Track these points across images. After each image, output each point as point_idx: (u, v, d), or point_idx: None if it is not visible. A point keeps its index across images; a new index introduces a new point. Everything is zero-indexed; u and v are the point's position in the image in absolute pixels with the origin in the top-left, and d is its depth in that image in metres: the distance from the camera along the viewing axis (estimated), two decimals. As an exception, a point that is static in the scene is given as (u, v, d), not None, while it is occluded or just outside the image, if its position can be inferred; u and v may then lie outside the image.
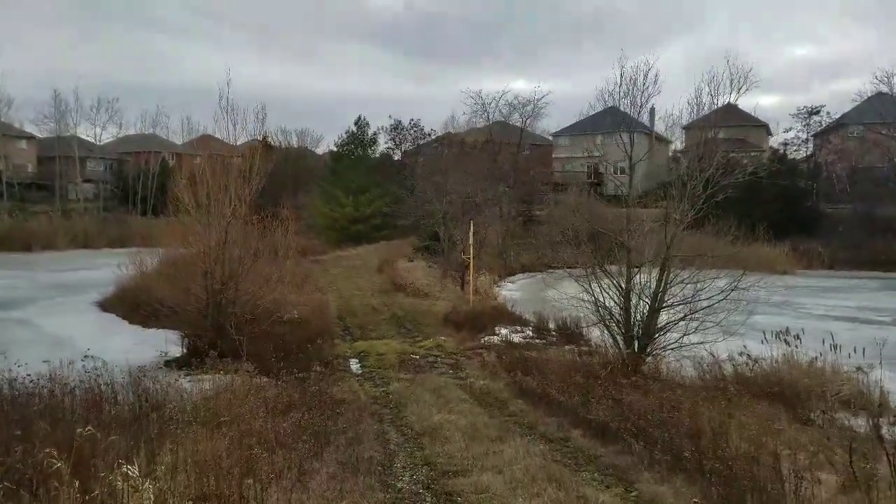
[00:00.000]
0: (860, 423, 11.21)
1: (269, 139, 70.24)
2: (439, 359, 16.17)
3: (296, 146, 78.70)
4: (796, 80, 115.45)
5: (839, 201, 55.74)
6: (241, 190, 14.36)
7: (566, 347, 16.87)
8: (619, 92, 15.45)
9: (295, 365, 11.39)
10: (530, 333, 19.76)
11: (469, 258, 25.60)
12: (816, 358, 14.37)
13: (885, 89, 58.95)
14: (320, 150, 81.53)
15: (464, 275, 28.69)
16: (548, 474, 7.25)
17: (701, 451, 7.35)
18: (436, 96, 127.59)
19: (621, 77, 15.37)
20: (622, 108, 15.95)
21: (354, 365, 15.25)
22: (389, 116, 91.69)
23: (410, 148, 63.81)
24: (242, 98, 17.71)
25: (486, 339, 18.61)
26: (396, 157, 64.01)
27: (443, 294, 27.64)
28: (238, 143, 18.85)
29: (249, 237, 14.39)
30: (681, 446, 7.71)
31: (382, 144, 64.66)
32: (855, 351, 14.13)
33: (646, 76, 15.22)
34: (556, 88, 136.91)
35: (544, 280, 32.16)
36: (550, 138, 73.18)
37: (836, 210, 54.36)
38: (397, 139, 65.52)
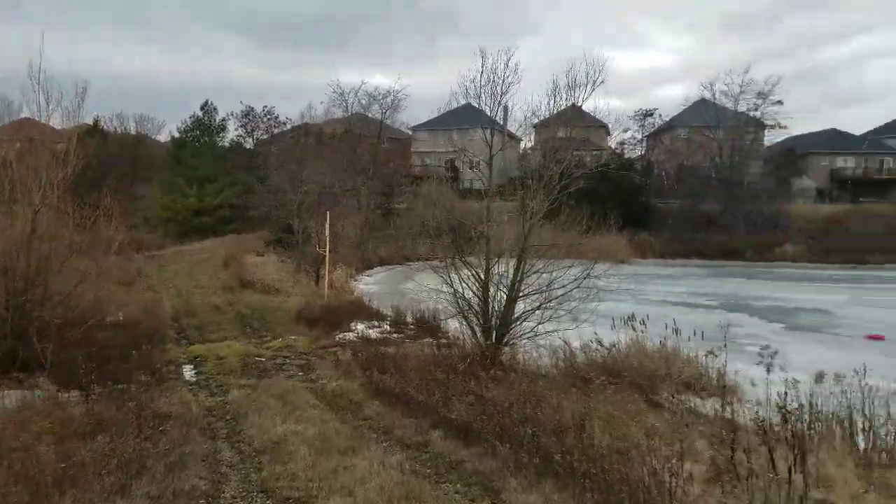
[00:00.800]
0: (706, 405, 11.66)
1: (101, 124, 64.30)
2: (289, 360, 15.05)
3: (133, 133, 72.46)
4: (633, 84, 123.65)
5: (669, 197, 60.12)
6: (54, 175, 12.40)
7: (425, 340, 16.39)
8: (481, 80, 15.19)
9: (114, 375, 9.82)
10: (388, 328, 19.12)
11: (324, 251, 24.46)
12: (661, 342, 15.01)
13: (707, 95, 64.44)
14: (163, 138, 75.74)
15: (319, 269, 27.50)
16: (406, 491, 6.55)
17: (568, 450, 7.01)
18: (292, 86, 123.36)
19: (482, 66, 15.13)
20: (482, 99, 15.70)
21: (188, 372, 13.73)
22: (241, 102, 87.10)
23: (264, 136, 60.87)
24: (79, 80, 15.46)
25: (342, 336, 17.72)
26: (248, 146, 60.75)
27: (296, 290, 26.29)
28: (57, 124, 16.50)
29: (64, 229, 12.43)
30: (548, 446, 7.34)
31: (232, 132, 61.13)
32: (695, 334, 14.88)
33: (506, 65, 15.07)
34: (414, 84, 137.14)
35: (403, 272, 31.73)
36: (409, 132, 73.04)
37: (666, 205, 58.58)
38: (249, 127, 62.23)
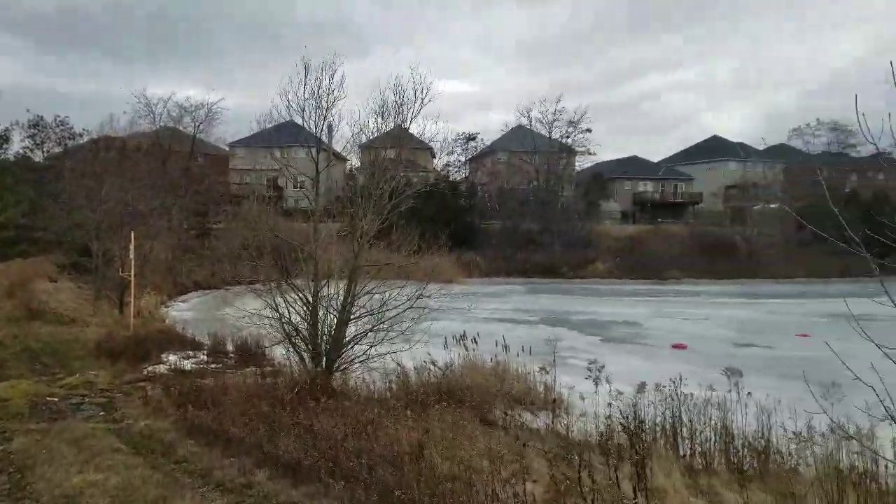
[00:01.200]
0: (538, 421, 11.78)
1: None
2: (87, 399, 13.19)
3: None
4: (456, 109, 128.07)
5: (492, 218, 62.57)
6: None
7: (248, 370, 15.18)
8: (304, 93, 14.46)
9: None
10: (205, 358, 17.57)
11: (129, 275, 22.13)
12: (492, 359, 15.13)
13: (525, 122, 68.25)
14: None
15: (123, 295, 24.90)
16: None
17: (408, 482, 6.53)
18: (91, 96, 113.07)
19: (306, 78, 14.41)
20: (306, 112, 14.94)
21: (-38, 419, 11.56)
22: (27, 110, 78.01)
23: (56, 149, 54.86)
24: None
25: (151, 369, 15.96)
26: (38, 160, 54.36)
27: (95, 319, 23.56)
28: None
29: None
30: (385, 479, 6.81)
31: (18, 143, 54.47)
32: (523, 349, 15.17)
33: (331, 79, 14.49)
34: (235, 100, 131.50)
35: (222, 297, 29.70)
36: (227, 148, 69.53)
37: (489, 225, 60.86)
38: (38, 138, 55.82)
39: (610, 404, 10.42)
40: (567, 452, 8.96)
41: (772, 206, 63.72)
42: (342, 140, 16.06)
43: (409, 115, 15.65)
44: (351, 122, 15.77)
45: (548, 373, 11.45)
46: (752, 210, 63.56)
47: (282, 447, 8.81)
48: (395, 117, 15.85)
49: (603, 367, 10.16)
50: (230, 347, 18.13)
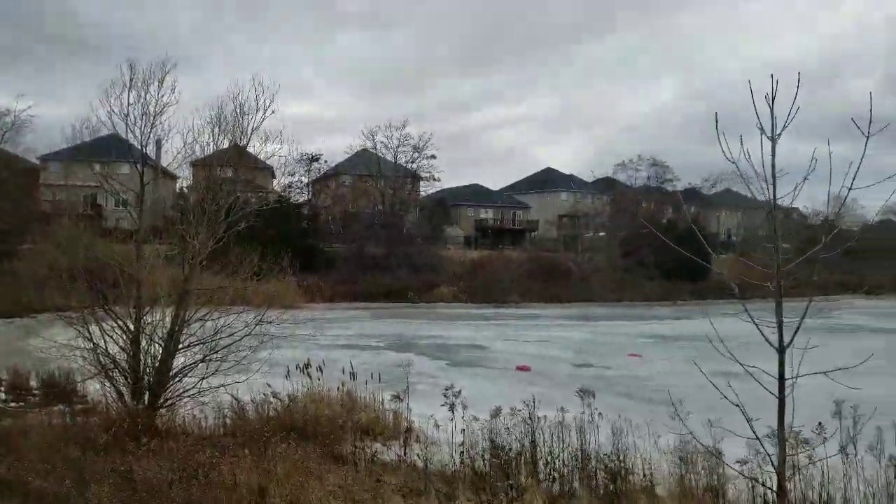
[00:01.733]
0: (390, 452, 11.11)
1: None
2: None
3: None
4: (298, 132, 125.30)
5: (336, 241, 61.37)
6: None
7: (55, 409, 13.17)
8: (128, 97, 12.91)
9: None
10: (3, 396, 15.16)
11: None
12: (339, 388, 14.29)
13: (370, 146, 68.02)
14: None
15: None
16: None
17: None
18: None
19: (131, 80, 12.90)
20: (131, 118, 13.37)
21: None
22: None
23: None
24: None
25: (-72, 412, 13.39)
26: None
27: None
28: None
29: None
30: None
31: None
32: (372, 377, 14.46)
33: (161, 83, 13.09)
34: (51, 110, 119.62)
35: (26, 326, 26.25)
36: (38, 161, 62.62)
37: (333, 249, 59.61)
38: None
39: (463, 430, 10.04)
40: (425, 486, 8.41)
41: (600, 234, 68.16)
42: (173, 151, 14.51)
43: (250, 127, 14.57)
44: (184, 132, 14.26)
45: (402, 400, 10.86)
46: (584, 237, 67.60)
47: (94, 500, 7.47)
48: (233, 129, 14.70)
49: (460, 392, 9.73)
50: (34, 383, 15.79)
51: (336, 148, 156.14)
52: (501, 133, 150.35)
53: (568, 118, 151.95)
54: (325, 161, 73.83)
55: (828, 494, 7.90)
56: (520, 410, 9.64)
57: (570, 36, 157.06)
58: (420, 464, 9.84)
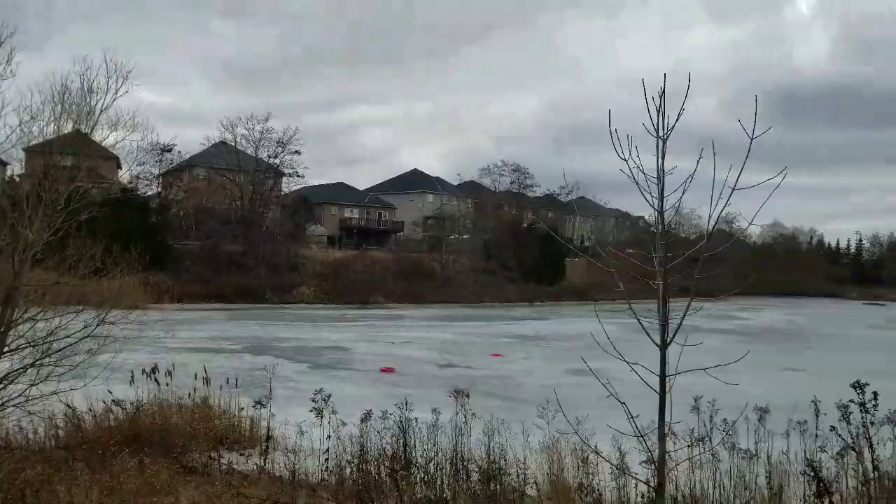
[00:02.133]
0: (250, 463, 10.34)
1: None
2: None
3: None
4: (150, 121, 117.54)
5: (188, 237, 57.91)
6: None
7: None
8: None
9: None
10: None
11: None
12: (190, 395, 13.26)
13: (229, 138, 64.71)
14: None
15: None
16: None
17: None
18: None
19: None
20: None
21: None
22: None
23: None
24: None
25: None
26: None
27: None
28: None
29: None
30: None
31: None
32: (228, 381, 13.52)
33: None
34: None
35: None
36: None
37: (185, 246, 56.19)
38: None
39: (329, 437, 9.51)
40: (292, 498, 7.81)
41: (465, 236, 69.33)
42: (6, 131, 12.65)
43: (98, 108, 13.07)
44: (19, 109, 12.48)
45: (264, 406, 10.11)
46: (448, 239, 68.44)
47: None
48: (78, 110, 13.12)
49: (329, 396, 9.19)
50: None
51: (192, 140, 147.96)
52: (368, 133, 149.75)
53: (435, 122, 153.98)
54: (179, 152, 69.51)
55: (702, 488, 8.17)
56: (390, 414, 9.26)
57: (439, 41, 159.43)
58: (284, 474, 9.20)
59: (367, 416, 9.39)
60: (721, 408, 8.80)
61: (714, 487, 8.24)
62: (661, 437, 5.14)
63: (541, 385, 21.66)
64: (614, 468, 7.23)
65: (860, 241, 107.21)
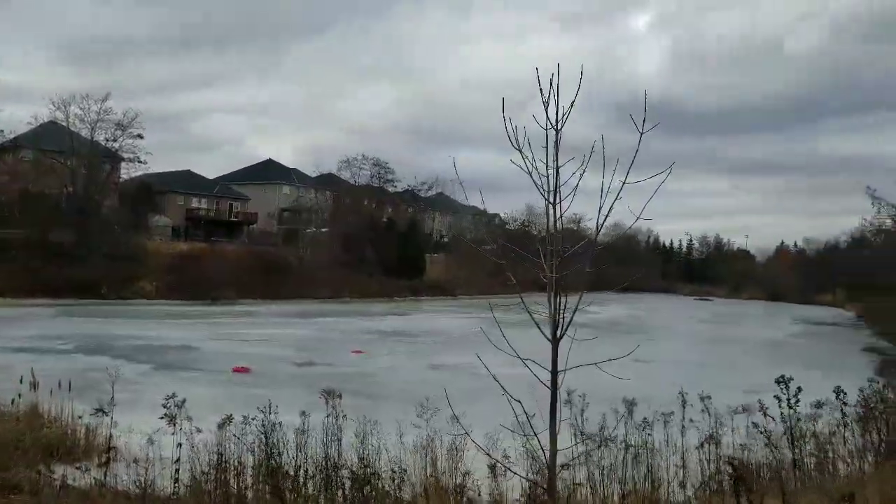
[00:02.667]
0: (87, 477, 9.05)
1: None
2: None
3: None
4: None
5: (10, 225, 51.95)
6: None
7: None
8: None
9: None
10: None
11: None
12: (14, 401, 11.69)
13: (61, 118, 58.60)
14: None
15: None
16: None
17: None
18: None
19: None
20: None
21: None
22: None
23: None
24: None
25: None
26: None
27: None
28: None
29: None
30: None
31: None
32: (60, 386, 12.00)
33: None
34: None
35: None
36: None
37: (7, 234, 50.38)
38: None
39: (180, 445, 8.50)
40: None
41: (323, 230, 67.68)
42: None
43: None
44: None
45: (106, 413, 8.87)
46: (305, 233, 66.49)
47: None
48: None
49: (184, 401, 8.19)
50: None
51: (18, 119, 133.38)
52: (218, 120, 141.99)
53: (289, 112, 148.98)
54: (1, 131, 62.00)
55: (591, 484, 8.08)
56: (253, 418, 8.41)
57: (292, 27, 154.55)
58: (130, 488, 8.11)
59: (226, 421, 8.48)
60: (590, 402, 8.89)
61: (592, 483, 8.20)
62: (553, 438, 4.82)
63: (406, 381, 21.35)
64: (504, 468, 6.91)
65: (690, 241, 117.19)
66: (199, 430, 8.60)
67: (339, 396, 8.68)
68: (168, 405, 7.91)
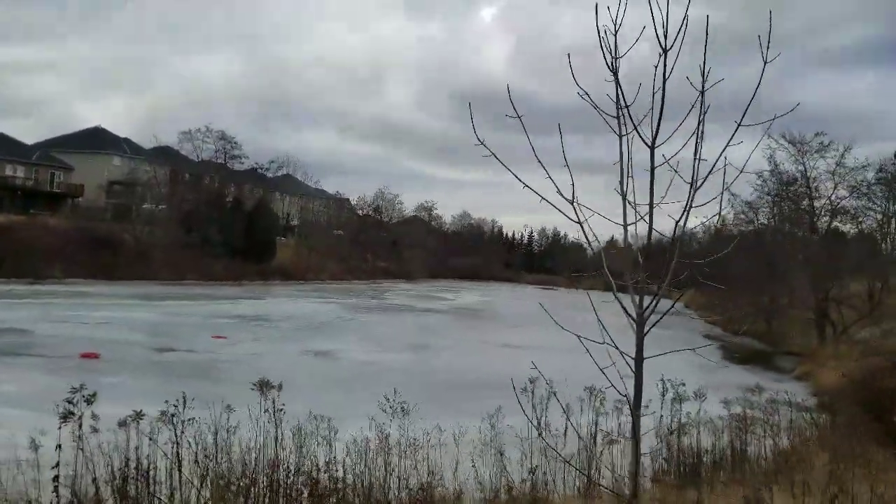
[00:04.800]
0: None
1: None
2: None
3: None
4: None
5: None
6: None
7: None
8: None
9: None
10: None
11: None
12: None
13: None
14: None
15: None
16: None
17: None
18: None
19: None
20: None
21: None
22: None
23: None
24: None
25: None
26: None
27: None
28: None
29: None
30: None
31: None
32: None
33: None
34: None
35: None
36: None
37: None
38: None
39: (59, 446, 6.92)
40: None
41: (161, 206, 62.34)
42: None
43: None
44: None
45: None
46: (142, 210, 60.85)
47: None
48: None
49: (95, 394, 6.64)
50: None
51: None
52: (40, 80, 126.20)
53: (121, 77, 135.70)
54: None
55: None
56: (166, 414, 6.97)
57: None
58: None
59: (137, 417, 6.99)
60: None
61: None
62: (637, 440, 4.14)
63: (283, 369, 19.80)
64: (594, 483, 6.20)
65: (531, 233, 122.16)
66: (95, 430, 7.04)
67: (279, 388, 7.47)
68: (73, 400, 6.32)
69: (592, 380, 9.00)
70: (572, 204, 3.74)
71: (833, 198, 35.58)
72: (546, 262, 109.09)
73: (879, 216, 37.64)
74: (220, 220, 60.49)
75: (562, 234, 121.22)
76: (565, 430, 7.60)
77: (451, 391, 17.53)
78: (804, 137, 35.42)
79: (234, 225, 60.37)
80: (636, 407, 3.71)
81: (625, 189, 3.71)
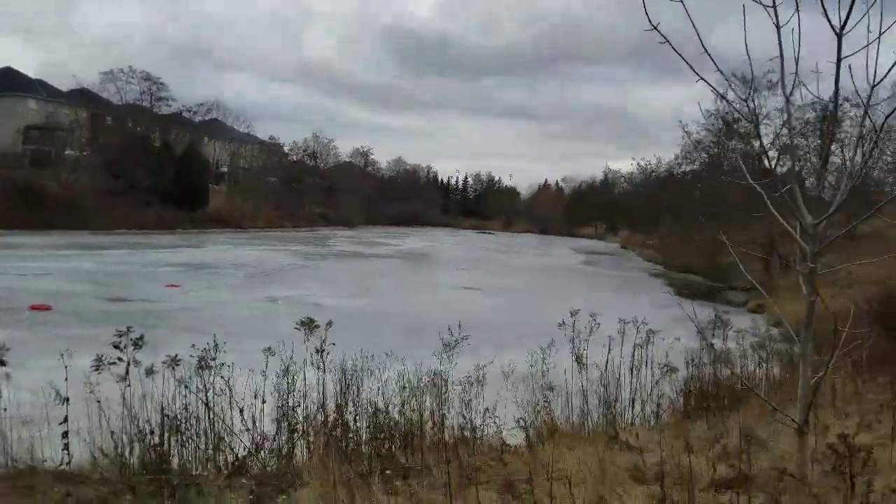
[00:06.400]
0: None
1: None
2: None
3: None
4: None
5: None
6: None
7: None
8: None
9: None
10: None
11: None
12: None
13: None
14: None
15: None
16: None
17: None
18: None
19: None
20: None
21: None
22: None
23: None
24: None
25: None
26: None
27: None
28: None
29: None
30: None
31: None
32: None
33: None
34: None
35: None
36: None
37: None
38: None
39: (67, 400, 6.38)
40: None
41: (85, 152, 58.81)
42: None
43: None
44: None
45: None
46: (64, 155, 57.19)
47: None
48: None
49: (142, 336, 6.11)
50: None
51: None
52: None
53: (30, 18, 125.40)
54: None
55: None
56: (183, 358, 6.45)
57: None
58: None
59: (172, 363, 6.47)
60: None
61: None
62: (805, 369, 4.02)
63: (248, 316, 19.32)
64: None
65: (466, 178, 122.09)
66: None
67: (329, 326, 7.04)
68: (119, 344, 5.80)
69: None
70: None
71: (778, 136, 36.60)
72: (481, 207, 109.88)
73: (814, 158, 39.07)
74: (149, 166, 57.59)
75: (496, 178, 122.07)
76: (605, 364, 7.56)
77: (436, 331, 17.44)
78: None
79: (164, 171, 57.63)
80: (808, 325, 3.61)
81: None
